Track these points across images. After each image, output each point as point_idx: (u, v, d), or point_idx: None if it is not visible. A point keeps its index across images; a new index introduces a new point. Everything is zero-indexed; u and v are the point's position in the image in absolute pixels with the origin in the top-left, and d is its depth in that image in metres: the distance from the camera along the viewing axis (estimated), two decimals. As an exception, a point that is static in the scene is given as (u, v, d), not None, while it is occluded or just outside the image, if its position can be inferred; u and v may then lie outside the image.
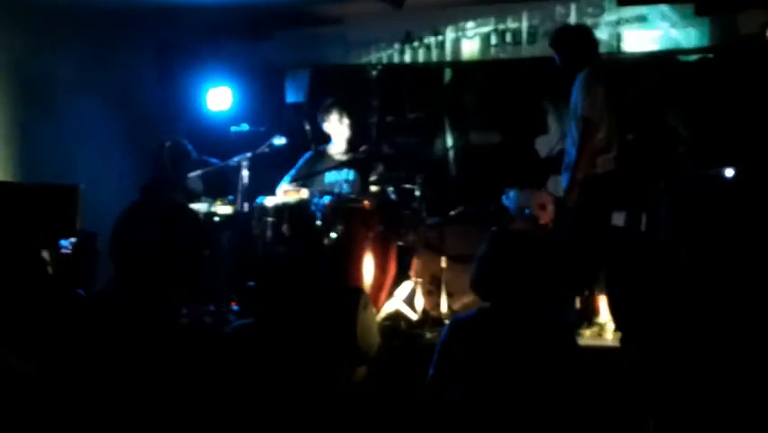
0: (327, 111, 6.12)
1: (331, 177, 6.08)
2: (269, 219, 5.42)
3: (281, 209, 5.45)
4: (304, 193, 5.62)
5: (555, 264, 3.77)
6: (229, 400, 2.23)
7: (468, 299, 5.02)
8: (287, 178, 6.06)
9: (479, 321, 3.09)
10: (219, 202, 5.67)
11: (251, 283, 4.24)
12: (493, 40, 6.84)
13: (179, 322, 2.33)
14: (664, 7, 6.33)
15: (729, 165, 5.60)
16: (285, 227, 5.37)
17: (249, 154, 5.87)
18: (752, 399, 2.93)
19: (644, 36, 6.42)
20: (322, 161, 6.15)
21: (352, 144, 6.12)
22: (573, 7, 6.55)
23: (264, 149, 5.95)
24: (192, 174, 6.01)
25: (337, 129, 6.09)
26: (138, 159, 6.79)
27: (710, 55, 6.34)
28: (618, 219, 5.59)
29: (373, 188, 5.67)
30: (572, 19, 6.50)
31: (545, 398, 2.95)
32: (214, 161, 6.13)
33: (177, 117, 7.15)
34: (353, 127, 6.14)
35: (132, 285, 2.21)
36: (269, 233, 5.40)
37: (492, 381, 2.96)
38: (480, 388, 2.96)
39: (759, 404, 2.93)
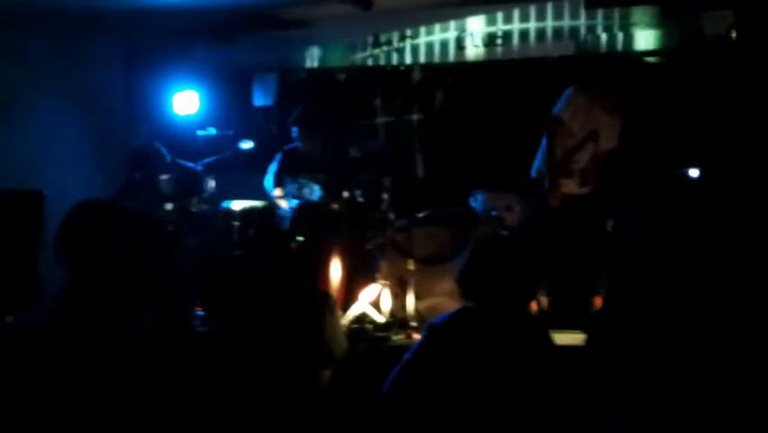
0: (297, 124, 6.12)
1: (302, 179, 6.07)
2: (236, 223, 5.40)
3: (248, 213, 5.44)
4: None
5: (538, 265, 3.79)
6: (195, 407, 2.21)
7: (435, 300, 5.03)
8: (269, 181, 6.02)
9: (459, 321, 3.10)
10: (192, 203, 5.65)
11: (216, 288, 4.21)
12: (464, 42, 6.85)
13: (141, 329, 2.29)
14: (632, 9, 6.36)
15: (694, 165, 5.66)
16: (251, 231, 5.36)
17: (215, 158, 5.85)
18: (726, 397, 2.94)
19: (612, 38, 6.46)
20: (292, 162, 6.13)
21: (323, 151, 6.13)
22: (549, 10, 6.56)
23: (231, 152, 5.93)
24: (164, 177, 5.96)
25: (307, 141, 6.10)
26: (104, 163, 6.72)
27: (677, 56, 6.39)
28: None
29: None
30: (548, 22, 6.53)
31: (527, 396, 2.96)
32: (188, 164, 6.10)
33: (143, 121, 7.10)
34: (322, 139, 6.15)
35: (83, 288, 2.17)
36: (235, 237, 5.39)
37: (474, 380, 2.97)
38: (462, 387, 2.97)
39: (733, 402, 2.94)
